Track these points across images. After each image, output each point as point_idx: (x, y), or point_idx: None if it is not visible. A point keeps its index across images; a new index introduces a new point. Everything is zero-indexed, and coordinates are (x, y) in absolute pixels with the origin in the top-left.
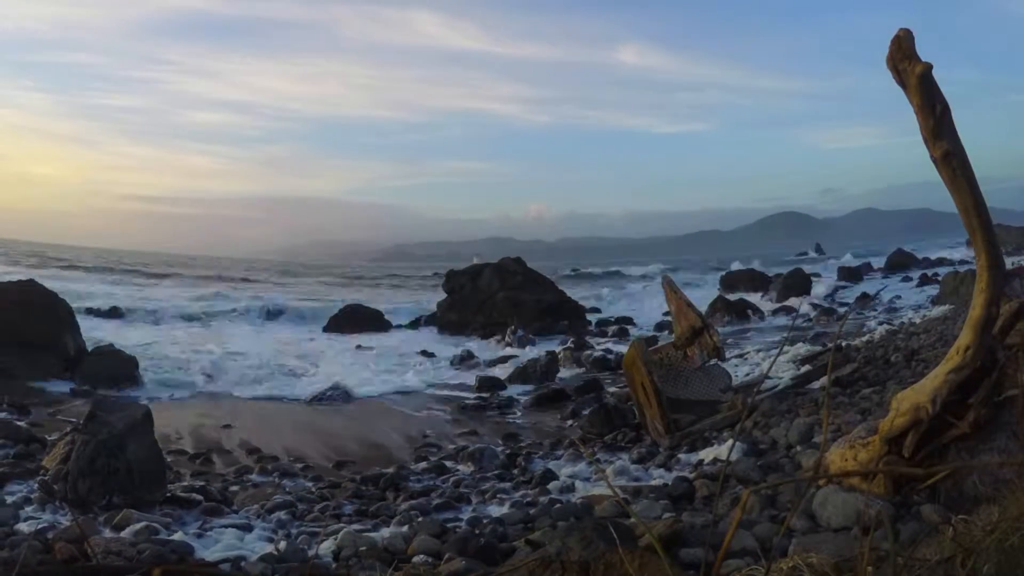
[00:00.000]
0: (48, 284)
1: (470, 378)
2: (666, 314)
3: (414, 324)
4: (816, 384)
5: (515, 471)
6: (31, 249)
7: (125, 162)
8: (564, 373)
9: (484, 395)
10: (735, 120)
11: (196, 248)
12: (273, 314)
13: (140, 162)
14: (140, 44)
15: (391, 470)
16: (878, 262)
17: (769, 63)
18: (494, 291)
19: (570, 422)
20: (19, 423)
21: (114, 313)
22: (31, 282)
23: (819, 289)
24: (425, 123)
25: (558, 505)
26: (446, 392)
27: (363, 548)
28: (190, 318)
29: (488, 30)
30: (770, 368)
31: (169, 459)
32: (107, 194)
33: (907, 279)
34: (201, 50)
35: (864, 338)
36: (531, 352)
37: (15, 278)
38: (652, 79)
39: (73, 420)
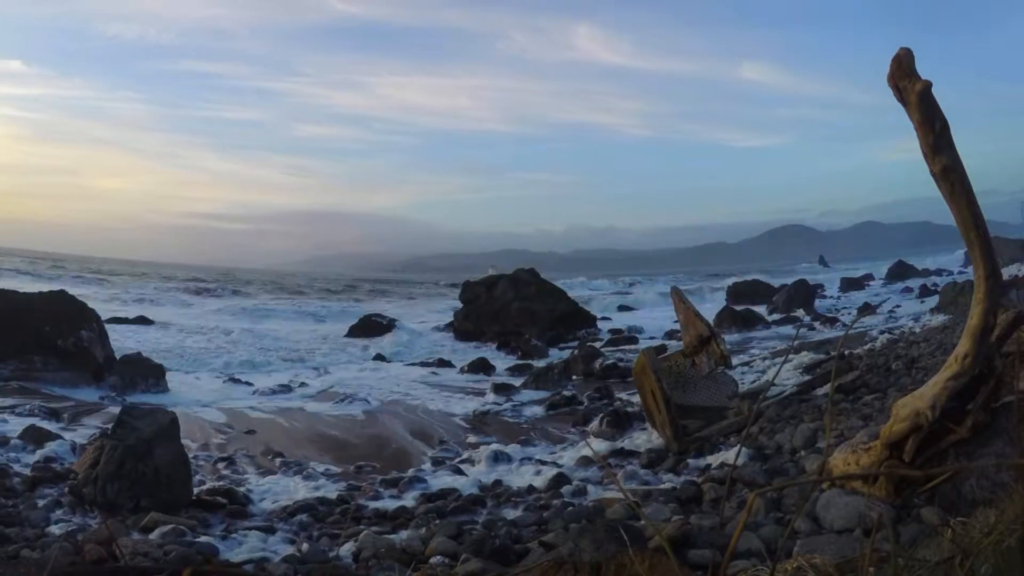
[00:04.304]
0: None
1: (485, 384)
2: (675, 323)
3: (431, 332)
4: (820, 391)
5: (529, 474)
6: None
7: (199, 177)
8: (576, 379)
9: (499, 401)
10: (815, 133)
11: (209, 260)
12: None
13: (215, 177)
14: (283, 53)
15: (409, 473)
16: (880, 273)
17: (865, 76)
18: (509, 301)
19: (582, 427)
20: (50, 428)
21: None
22: (61, 292)
23: (822, 299)
24: (536, 136)
25: (570, 508)
26: (461, 397)
27: (382, 549)
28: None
29: (641, 46)
30: (775, 376)
31: (194, 463)
32: (166, 210)
33: (908, 289)
34: (346, 61)
35: (866, 347)
36: (544, 359)
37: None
38: (761, 94)
39: (102, 426)
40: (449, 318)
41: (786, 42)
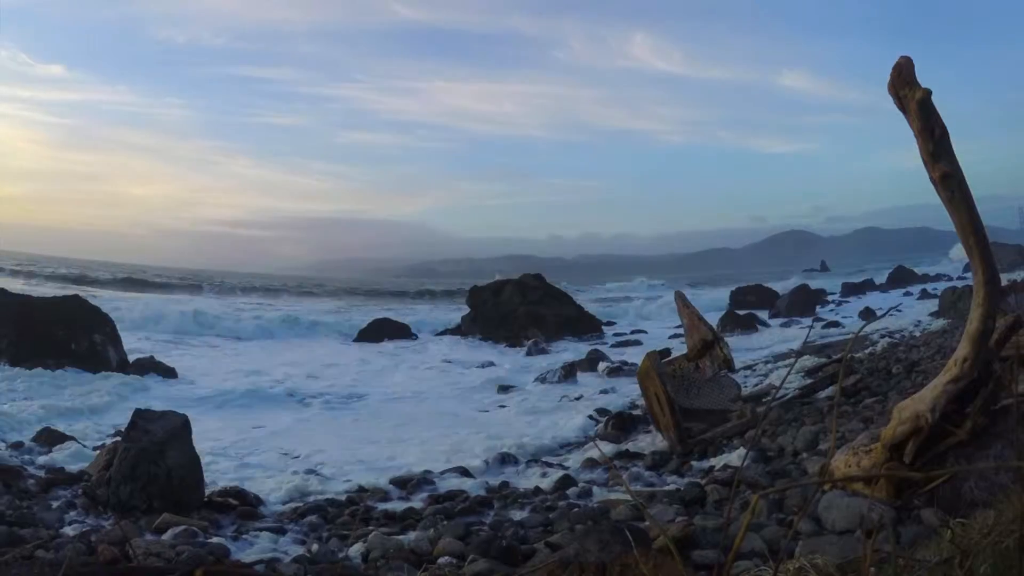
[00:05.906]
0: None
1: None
2: (677, 327)
3: (438, 336)
4: (821, 394)
5: (535, 476)
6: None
7: (230, 184)
8: (581, 382)
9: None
10: (842, 139)
11: (223, 264)
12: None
13: (246, 184)
14: (338, 58)
15: (417, 474)
16: (880, 278)
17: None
18: (515, 305)
19: (587, 430)
20: (63, 431)
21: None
22: (75, 297)
23: (823, 304)
24: (574, 142)
25: (576, 509)
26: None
27: (391, 550)
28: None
29: (691, 55)
30: (783, 382)
31: (206, 464)
32: (189, 217)
33: (908, 294)
34: (402, 67)
35: (867, 350)
36: (550, 362)
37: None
38: (797, 101)
39: (115, 428)
40: (456, 322)
41: (826, 50)
